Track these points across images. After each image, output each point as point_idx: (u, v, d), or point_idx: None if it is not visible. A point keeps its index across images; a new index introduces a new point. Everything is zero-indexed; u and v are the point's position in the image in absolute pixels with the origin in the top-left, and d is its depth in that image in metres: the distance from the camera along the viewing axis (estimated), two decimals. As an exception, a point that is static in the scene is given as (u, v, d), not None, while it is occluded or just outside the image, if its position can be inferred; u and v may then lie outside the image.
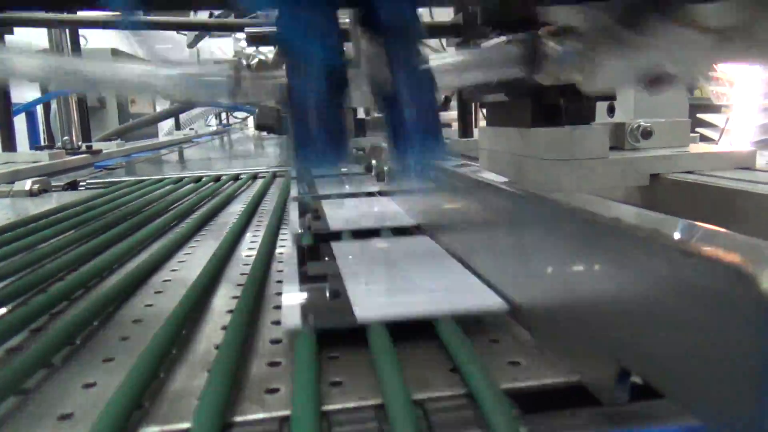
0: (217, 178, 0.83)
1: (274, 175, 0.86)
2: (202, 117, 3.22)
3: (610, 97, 0.57)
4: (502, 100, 0.66)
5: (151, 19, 1.49)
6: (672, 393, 0.15)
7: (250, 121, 4.07)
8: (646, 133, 0.61)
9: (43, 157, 1.27)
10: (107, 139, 1.92)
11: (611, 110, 0.78)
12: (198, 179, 0.83)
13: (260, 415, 0.19)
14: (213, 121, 3.78)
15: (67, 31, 1.49)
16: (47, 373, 0.23)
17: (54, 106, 2.22)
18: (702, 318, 0.13)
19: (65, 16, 1.42)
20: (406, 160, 0.26)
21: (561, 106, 0.58)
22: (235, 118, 3.99)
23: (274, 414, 0.19)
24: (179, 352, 0.24)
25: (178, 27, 1.83)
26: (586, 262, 0.18)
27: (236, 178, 0.84)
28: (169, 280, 0.36)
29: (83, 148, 1.49)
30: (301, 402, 0.18)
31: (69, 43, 1.51)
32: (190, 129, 2.88)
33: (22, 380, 0.21)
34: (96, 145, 1.55)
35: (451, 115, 1.63)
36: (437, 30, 0.95)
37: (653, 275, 0.15)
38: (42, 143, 2.15)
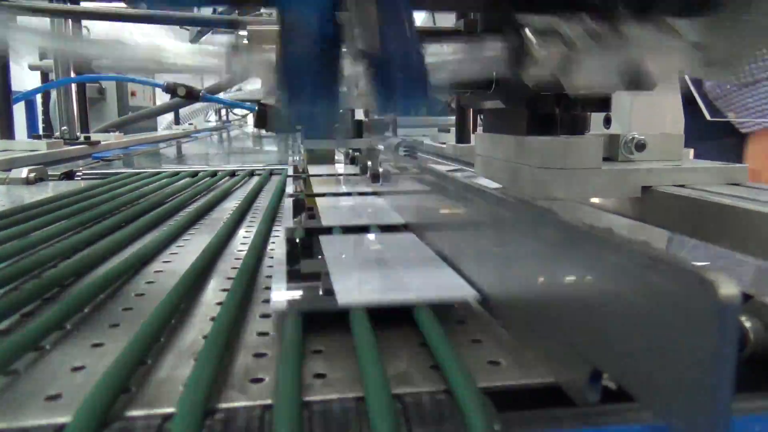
0: (214, 174, 0.84)
1: (271, 173, 0.87)
2: (201, 112, 3.22)
3: (606, 108, 0.58)
4: (499, 107, 0.67)
5: (155, 14, 1.50)
6: (639, 395, 0.15)
7: (250, 118, 4.08)
8: (640, 146, 0.62)
9: (41, 146, 1.27)
10: (106, 130, 1.92)
11: (608, 121, 0.78)
12: (194, 174, 0.83)
13: (243, 403, 0.19)
14: (212, 117, 3.79)
15: (70, 21, 1.49)
16: (37, 356, 0.23)
17: (54, 95, 2.22)
18: (665, 322, 0.14)
19: (68, 6, 1.43)
20: (391, 102, 0.27)
21: (556, 115, 0.59)
22: (235, 115, 3.99)
23: (257, 402, 0.19)
24: (168, 341, 0.25)
25: (181, 22, 1.84)
26: (561, 265, 0.18)
27: (233, 174, 0.85)
28: (162, 271, 0.36)
29: (82, 138, 1.50)
30: (284, 391, 0.19)
31: (71, 34, 1.51)
32: (189, 124, 2.89)
33: (11, 361, 0.22)
34: (94, 136, 1.55)
35: (450, 120, 1.64)
36: (438, 35, 0.96)
37: (623, 280, 0.15)
38: (40, 132, 2.15)
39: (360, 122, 0.54)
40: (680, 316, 0.13)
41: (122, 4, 1.49)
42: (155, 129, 2.77)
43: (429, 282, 0.29)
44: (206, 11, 1.74)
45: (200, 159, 1.34)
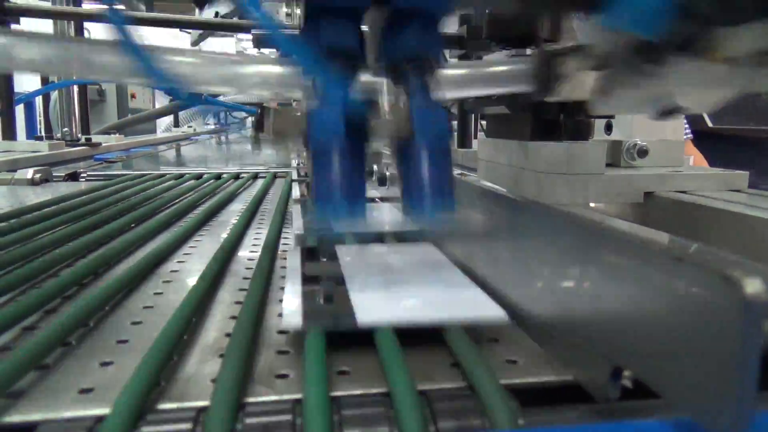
0: (218, 176, 0.84)
1: (275, 176, 0.88)
2: (200, 115, 3.22)
3: (610, 115, 0.59)
4: (502, 113, 0.67)
5: (156, 17, 1.50)
6: (664, 391, 0.16)
7: (248, 121, 4.08)
8: (642, 152, 0.63)
9: (43, 147, 1.27)
10: (106, 132, 1.92)
11: (608, 128, 0.79)
12: (199, 176, 0.83)
13: (272, 397, 0.20)
14: (211, 120, 3.79)
15: (72, 23, 1.49)
16: (65, 351, 0.24)
17: (53, 97, 2.22)
18: (691, 320, 0.14)
19: (70, 8, 1.43)
20: (419, 216, 0.26)
21: (561, 121, 0.59)
22: (234, 118, 3.99)
23: (286, 397, 0.20)
24: (190, 338, 0.25)
25: (182, 25, 1.84)
26: (586, 269, 0.19)
27: (237, 176, 0.85)
28: (177, 271, 0.37)
29: (83, 140, 1.50)
30: (312, 386, 0.19)
31: (73, 35, 1.51)
32: (189, 127, 2.89)
33: (42, 356, 0.22)
34: (95, 138, 1.56)
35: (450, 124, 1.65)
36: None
37: (647, 281, 0.16)
38: (38, 134, 2.15)
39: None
40: (705, 314, 0.14)
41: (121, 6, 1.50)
42: (154, 131, 2.78)
43: (453, 299, 0.27)
44: (208, 14, 1.74)
45: (203, 161, 1.34)
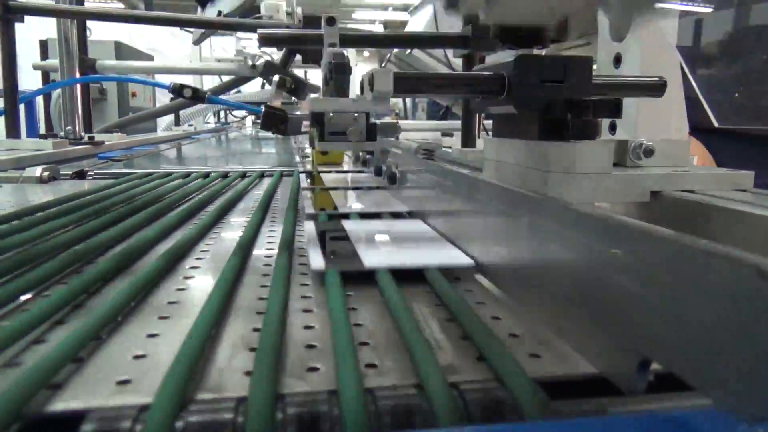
0: (225, 175, 0.85)
1: (282, 174, 0.88)
2: (200, 114, 3.22)
3: (617, 114, 0.60)
4: (510, 113, 0.68)
5: (158, 16, 1.50)
6: (697, 383, 0.17)
7: (248, 121, 4.08)
8: (648, 152, 0.64)
9: (47, 146, 1.27)
10: (107, 131, 1.92)
11: (613, 128, 0.80)
12: (206, 175, 0.84)
13: (306, 389, 0.20)
14: (211, 119, 3.79)
15: (75, 22, 1.49)
16: (97, 345, 0.24)
17: (55, 95, 2.22)
18: (723, 312, 0.15)
19: (74, 7, 1.44)
20: None
21: (568, 121, 0.60)
22: (234, 117, 4.00)
23: (319, 389, 0.20)
24: (217, 333, 0.26)
25: (184, 24, 1.85)
26: (614, 262, 0.20)
27: (243, 175, 0.86)
28: (197, 267, 0.37)
29: (86, 138, 1.50)
30: (345, 376, 0.20)
31: (76, 34, 1.51)
32: (189, 125, 2.89)
33: (78, 349, 0.23)
34: (98, 137, 1.56)
35: (452, 124, 1.65)
36: (444, 41, 0.97)
37: (679, 273, 0.16)
38: (38, 133, 2.15)
39: (374, 125, 0.55)
40: (738, 306, 0.14)
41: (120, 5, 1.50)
42: (155, 130, 2.78)
43: (434, 252, 0.38)
44: (212, 13, 1.75)
45: (210, 160, 1.35)
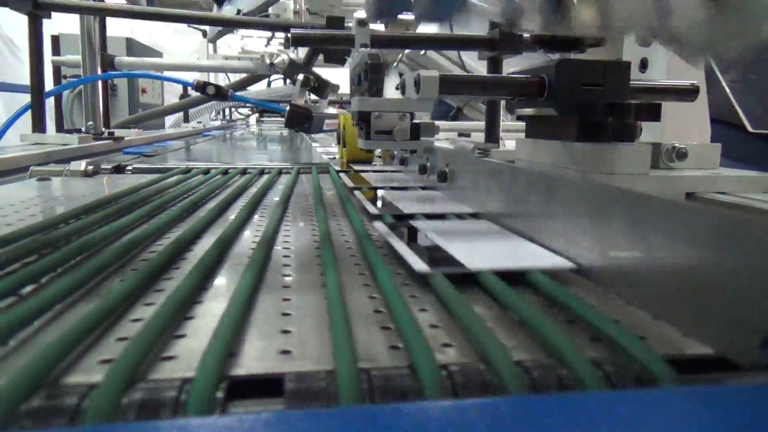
0: (262, 171, 0.87)
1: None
2: (207, 111, 3.25)
3: (656, 118, 0.62)
4: (545, 114, 0.70)
5: (178, 13, 1.52)
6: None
7: (252, 119, 4.11)
8: (681, 155, 0.66)
9: (72, 140, 1.29)
10: (122, 126, 1.94)
11: (639, 131, 0.83)
12: (244, 171, 0.86)
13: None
14: (218, 116, 3.81)
15: (97, 18, 1.51)
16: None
17: (67, 91, 2.24)
18: None
19: (100, 4, 1.45)
20: None
21: (608, 123, 0.63)
22: (240, 114, 4.02)
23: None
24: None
25: (202, 21, 1.87)
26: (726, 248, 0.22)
27: (279, 172, 0.88)
28: (288, 256, 0.39)
29: (105, 133, 1.52)
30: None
31: (98, 30, 1.53)
32: (198, 122, 2.91)
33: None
34: (117, 132, 1.58)
35: (462, 125, 1.68)
36: (471, 43, 0.99)
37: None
38: (47, 128, 2.15)
39: (417, 125, 0.58)
40: None
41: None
42: (163, 126, 2.79)
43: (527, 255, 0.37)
44: (230, 11, 1.77)
45: (239, 155, 1.36)
